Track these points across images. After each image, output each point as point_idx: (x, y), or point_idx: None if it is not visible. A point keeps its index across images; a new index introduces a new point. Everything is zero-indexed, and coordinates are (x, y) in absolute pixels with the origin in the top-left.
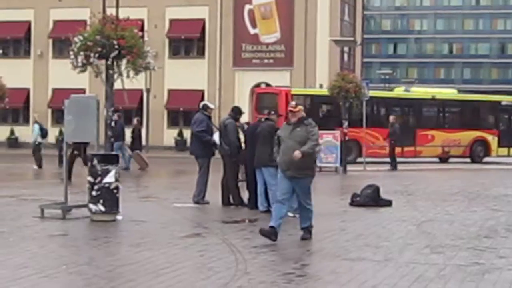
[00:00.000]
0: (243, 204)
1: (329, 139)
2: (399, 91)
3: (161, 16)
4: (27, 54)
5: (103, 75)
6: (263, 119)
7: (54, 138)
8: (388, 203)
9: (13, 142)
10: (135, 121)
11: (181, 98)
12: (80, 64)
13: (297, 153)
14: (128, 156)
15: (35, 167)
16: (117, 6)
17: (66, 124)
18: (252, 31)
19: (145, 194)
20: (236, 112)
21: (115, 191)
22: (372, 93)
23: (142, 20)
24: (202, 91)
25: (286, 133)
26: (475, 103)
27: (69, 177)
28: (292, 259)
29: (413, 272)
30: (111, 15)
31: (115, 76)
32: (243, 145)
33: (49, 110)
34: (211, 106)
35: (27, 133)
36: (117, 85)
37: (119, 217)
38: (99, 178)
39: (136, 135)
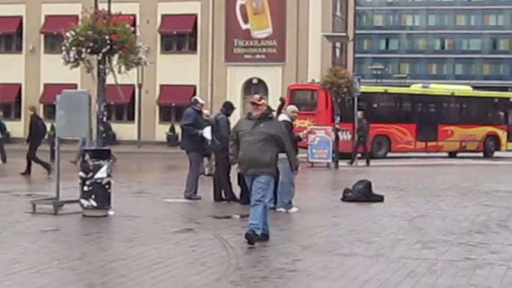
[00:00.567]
0: (235, 199)
1: (322, 134)
2: (417, 88)
3: (153, 11)
4: (18, 49)
5: (95, 71)
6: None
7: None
8: (380, 199)
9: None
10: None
11: (173, 94)
12: (72, 59)
13: (295, 173)
14: None
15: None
16: (109, 1)
17: (58, 119)
18: (244, 26)
19: (137, 190)
20: (228, 107)
21: (107, 186)
22: (397, 89)
23: (134, 15)
24: (194, 87)
25: (248, 128)
26: (488, 100)
27: (30, 170)
28: (283, 254)
29: (405, 267)
30: (103, 10)
31: (107, 71)
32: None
33: (41, 105)
34: (201, 101)
35: (19, 128)
36: (109, 80)
37: (111, 213)
38: (91, 174)
39: (106, 129)
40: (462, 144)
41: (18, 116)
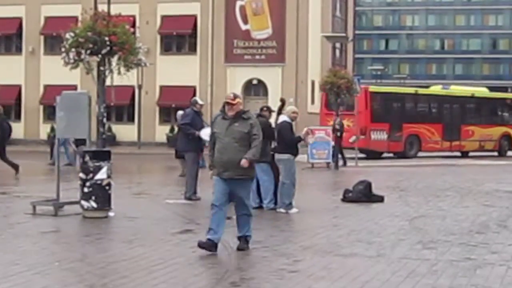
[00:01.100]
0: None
1: (321, 135)
2: (438, 89)
3: (153, 12)
4: (18, 50)
5: (95, 72)
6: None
7: (46, 134)
8: (380, 199)
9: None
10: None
11: (173, 94)
12: (71, 60)
13: (244, 162)
14: (73, 151)
15: None
16: (108, 3)
17: (58, 120)
18: (243, 27)
19: (137, 191)
20: None
21: (107, 187)
22: (426, 91)
23: (133, 16)
24: (194, 87)
25: (222, 129)
26: (502, 101)
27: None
28: (284, 255)
29: (405, 268)
30: (102, 12)
31: (107, 72)
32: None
33: (41, 107)
34: (200, 102)
35: (19, 130)
36: (109, 81)
37: (111, 214)
38: (91, 175)
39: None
40: (481, 143)
41: (18, 117)
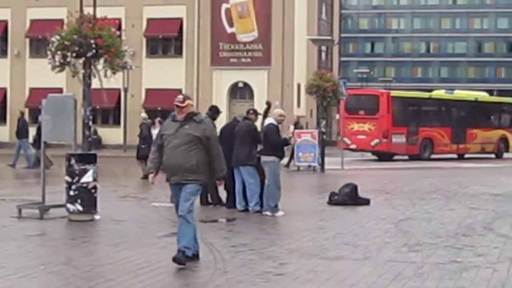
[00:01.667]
0: (221, 203)
1: (307, 138)
2: (442, 94)
3: (139, 15)
4: (4, 53)
5: (80, 75)
6: (238, 117)
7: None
8: (366, 202)
9: None
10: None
11: (158, 98)
12: (57, 63)
13: (219, 184)
14: (32, 154)
15: None
16: (94, 5)
17: (44, 123)
18: (229, 30)
19: (123, 194)
20: (214, 111)
21: (93, 190)
22: (438, 95)
23: (119, 19)
24: (180, 90)
25: (172, 131)
26: (500, 105)
27: None
28: (270, 258)
29: (392, 271)
30: (88, 14)
31: (92, 75)
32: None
33: (27, 110)
34: None
35: (4, 133)
36: (95, 84)
37: (97, 217)
38: (76, 178)
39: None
40: (483, 146)
41: (3, 120)
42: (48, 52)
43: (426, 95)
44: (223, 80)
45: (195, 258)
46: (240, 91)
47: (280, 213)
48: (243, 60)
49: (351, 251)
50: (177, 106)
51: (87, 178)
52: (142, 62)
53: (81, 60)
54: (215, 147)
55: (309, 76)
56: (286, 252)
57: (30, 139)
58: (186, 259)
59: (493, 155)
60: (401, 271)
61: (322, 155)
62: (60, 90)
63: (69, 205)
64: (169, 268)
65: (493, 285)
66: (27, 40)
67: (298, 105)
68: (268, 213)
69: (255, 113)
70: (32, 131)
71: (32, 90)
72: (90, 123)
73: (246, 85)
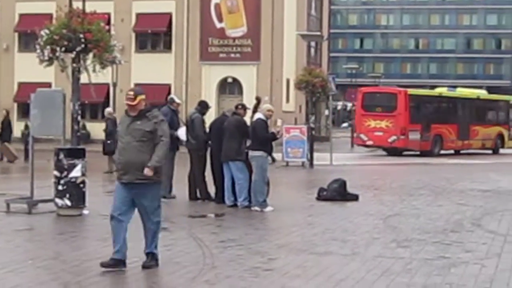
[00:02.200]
0: (210, 198)
1: (296, 133)
2: (444, 91)
3: (128, 10)
4: None
5: (69, 69)
6: (226, 112)
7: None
8: (355, 198)
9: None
10: (4, 112)
11: (147, 92)
12: (46, 57)
13: (147, 171)
14: None
15: None
16: (83, 0)
17: (32, 118)
18: (218, 25)
19: (111, 189)
20: (203, 106)
21: (81, 185)
22: (447, 93)
23: (108, 14)
24: (169, 85)
25: (124, 127)
26: (497, 102)
27: None
28: (259, 253)
29: (380, 266)
30: (77, 9)
31: (81, 70)
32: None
33: (15, 104)
34: (178, 100)
35: None
36: (83, 79)
37: (85, 212)
38: (65, 172)
39: (5, 127)
40: (483, 142)
41: None
42: (37, 46)
43: (436, 92)
44: (212, 75)
45: (122, 265)
46: (229, 86)
47: (268, 209)
48: (232, 55)
49: (339, 247)
50: (128, 104)
51: (76, 172)
52: (131, 57)
53: (70, 55)
54: (164, 141)
55: (298, 71)
56: (275, 247)
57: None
58: (156, 262)
59: (488, 151)
60: (390, 267)
61: (311, 151)
62: (49, 85)
63: (57, 200)
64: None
65: (481, 281)
66: (16, 35)
67: (287, 100)
68: (256, 208)
69: (244, 108)
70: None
71: (20, 84)
72: (79, 117)
73: (235, 80)
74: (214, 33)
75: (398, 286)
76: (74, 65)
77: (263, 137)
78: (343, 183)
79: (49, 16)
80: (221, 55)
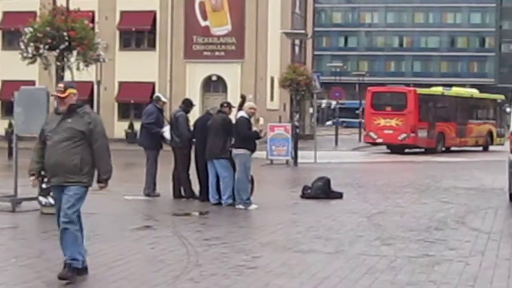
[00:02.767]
0: (194, 196)
1: (281, 131)
2: (439, 90)
3: (112, 7)
4: None
5: (53, 67)
6: (210, 110)
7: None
8: (339, 196)
9: None
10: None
11: (131, 90)
12: (30, 55)
13: (100, 187)
14: None
15: None
16: None
17: (16, 116)
18: (203, 23)
19: (95, 187)
20: (187, 104)
21: None
22: (449, 92)
23: (92, 12)
24: (153, 83)
25: (53, 125)
26: (487, 101)
27: None
28: (243, 251)
29: (364, 264)
30: (61, 7)
31: (65, 68)
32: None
33: None
34: (164, 99)
35: None
36: (67, 76)
37: None
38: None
39: None
40: (476, 139)
41: None
42: (21, 44)
43: (439, 91)
44: (197, 73)
45: (84, 272)
46: (214, 85)
47: (253, 207)
48: (217, 53)
49: (323, 245)
50: (58, 97)
51: None
52: (115, 55)
53: (54, 53)
54: (101, 144)
55: (282, 69)
56: (259, 245)
57: None
58: (74, 272)
59: (479, 148)
60: (374, 265)
61: (295, 149)
62: (32, 83)
63: (41, 198)
64: (142, 261)
65: (465, 279)
66: (0, 32)
67: (272, 98)
68: (241, 206)
69: (229, 106)
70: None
71: (4, 82)
72: None
73: (219, 78)
74: (198, 31)
75: (382, 284)
76: (58, 63)
77: (246, 135)
78: (327, 181)
79: (33, 13)
80: (205, 53)
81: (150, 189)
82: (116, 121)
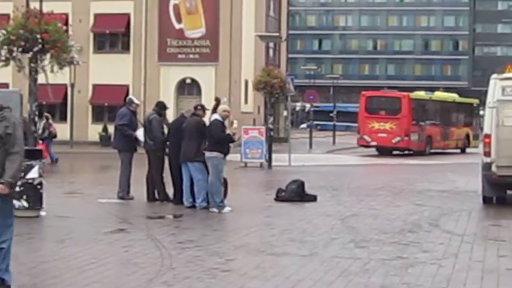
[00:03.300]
0: (168, 199)
1: (255, 134)
2: (422, 95)
3: (86, 10)
4: None
5: (26, 70)
6: (185, 113)
7: None
8: (313, 198)
9: None
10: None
11: (105, 93)
12: (3, 58)
13: (2, 188)
14: None
15: None
16: (40, 0)
17: None
18: (177, 26)
19: (69, 190)
20: (161, 107)
21: (38, 186)
22: (436, 97)
23: (66, 14)
24: (127, 86)
25: None
26: (465, 105)
27: None
28: (217, 254)
29: (338, 267)
30: (34, 9)
31: (38, 70)
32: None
33: None
34: (136, 101)
35: None
36: (41, 79)
37: (42, 213)
38: (22, 174)
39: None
40: (457, 142)
41: None
42: None
43: (427, 96)
44: (171, 76)
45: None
46: (188, 87)
47: (227, 209)
48: (191, 56)
49: (297, 247)
50: None
51: (33, 174)
52: (89, 57)
53: (27, 55)
54: (16, 148)
55: (256, 72)
56: (233, 248)
57: None
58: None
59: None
60: (347, 267)
61: (270, 152)
62: (6, 85)
63: (14, 201)
64: (116, 264)
65: (439, 281)
66: None
67: (246, 101)
68: (215, 209)
69: (203, 109)
70: None
71: None
72: (36, 118)
73: (193, 81)
74: (172, 34)
75: (356, 286)
76: (32, 65)
77: (219, 138)
78: (301, 184)
79: (6, 16)
80: (179, 56)
81: (124, 192)
82: (90, 124)
